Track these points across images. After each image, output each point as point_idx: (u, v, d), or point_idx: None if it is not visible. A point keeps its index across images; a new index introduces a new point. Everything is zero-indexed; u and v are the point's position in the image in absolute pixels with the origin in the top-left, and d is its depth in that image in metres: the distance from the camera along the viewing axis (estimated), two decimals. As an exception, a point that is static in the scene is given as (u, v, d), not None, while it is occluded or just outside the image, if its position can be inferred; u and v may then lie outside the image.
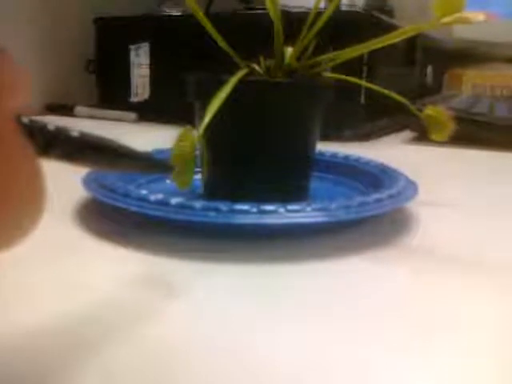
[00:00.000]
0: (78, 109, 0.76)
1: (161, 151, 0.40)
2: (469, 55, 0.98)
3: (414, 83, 0.80)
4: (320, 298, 0.22)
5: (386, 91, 0.31)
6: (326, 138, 0.37)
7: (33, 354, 0.17)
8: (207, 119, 0.25)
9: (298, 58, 0.31)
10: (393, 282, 0.24)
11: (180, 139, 0.24)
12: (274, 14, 0.29)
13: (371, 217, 0.31)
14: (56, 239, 0.28)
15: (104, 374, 0.16)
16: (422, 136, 0.61)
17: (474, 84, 0.96)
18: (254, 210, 0.26)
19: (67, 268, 0.24)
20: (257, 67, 0.31)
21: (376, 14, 0.62)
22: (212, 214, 0.26)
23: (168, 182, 0.38)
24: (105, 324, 0.19)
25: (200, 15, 0.29)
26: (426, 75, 0.87)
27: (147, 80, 0.74)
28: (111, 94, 0.78)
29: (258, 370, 0.17)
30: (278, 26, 0.30)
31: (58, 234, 0.28)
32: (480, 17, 0.24)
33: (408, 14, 0.81)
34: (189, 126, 0.25)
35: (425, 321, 0.20)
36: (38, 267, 0.24)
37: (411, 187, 0.32)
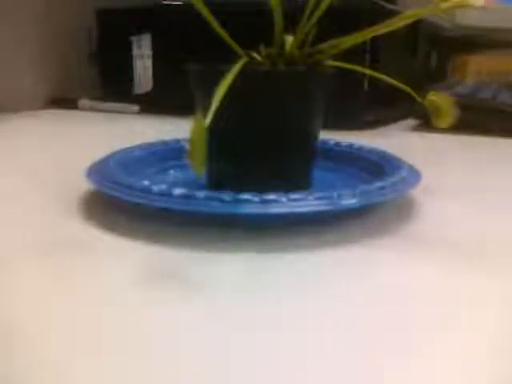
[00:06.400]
0: (82, 102, 0.76)
1: (165, 142, 0.41)
2: (473, 42, 0.97)
3: (418, 71, 0.79)
4: (322, 287, 0.22)
5: (388, 78, 0.31)
6: (329, 126, 0.37)
7: (33, 352, 0.17)
8: (214, 107, 0.25)
9: (300, 46, 0.31)
10: (396, 270, 0.24)
11: (193, 126, 0.24)
12: (273, 2, 0.29)
13: (374, 205, 0.31)
14: (59, 232, 0.28)
15: (107, 372, 0.17)
16: (426, 123, 0.61)
17: (478, 70, 0.95)
18: (257, 199, 0.26)
19: (71, 261, 0.24)
20: (257, 56, 0.31)
21: (378, 0, 0.62)
22: (215, 203, 0.26)
23: (171, 173, 0.38)
24: (106, 318, 0.20)
25: (200, 4, 0.29)
26: (430, 62, 0.86)
27: (150, 71, 0.73)
28: (114, 86, 0.78)
29: (261, 359, 0.17)
30: (277, 13, 0.29)
31: (62, 226, 0.29)
32: (479, 1, 0.24)
33: (410, 0, 0.80)
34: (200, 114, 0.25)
35: (426, 310, 0.20)
36: (41, 261, 0.24)
37: (414, 175, 0.32)
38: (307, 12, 0.30)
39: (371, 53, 0.59)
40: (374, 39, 0.58)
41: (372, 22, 0.31)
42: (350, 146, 0.39)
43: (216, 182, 0.32)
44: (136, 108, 0.73)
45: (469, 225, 0.30)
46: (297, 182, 0.32)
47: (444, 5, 0.25)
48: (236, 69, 0.27)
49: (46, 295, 0.21)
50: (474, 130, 0.58)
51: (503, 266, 0.24)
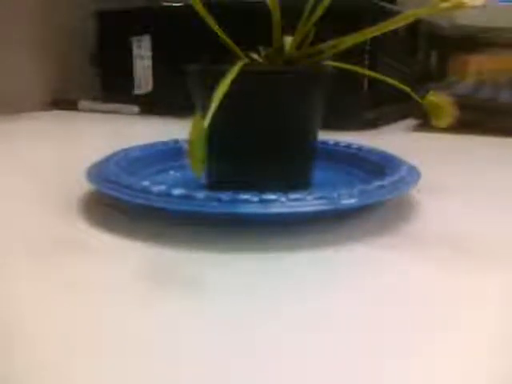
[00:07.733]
0: (82, 103, 0.76)
1: (164, 143, 0.41)
2: (473, 42, 0.97)
3: (418, 70, 0.79)
4: (322, 287, 0.22)
5: (388, 79, 0.31)
6: (328, 126, 0.37)
7: (33, 352, 0.17)
8: (213, 107, 0.25)
9: (299, 47, 0.31)
10: (396, 269, 0.24)
11: (192, 126, 0.24)
12: (271, 2, 0.29)
13: (374, 204, 0.31)
14: (59, 232, 0.28)
15: (107, 372, 0.17)
16: (426, 123, 0.61)
17: (478, 70, 0.95)
18: (256, 199, 0.26)
19: (71, 261, 0.24)
20: (256, 56, 0.31)
21: (378, 0, 0.62)
22: (214, 204, 0.26)
23: (171, 173, 0.38)
24: (106, 318, 0.20)
25: (199, 5, 0.29)
26: (429, 62, 0.86)
27: (150, 72, 0.73)
28: (114, 87, 0.78)
29: (261, 359, 0.17)
30: (276, 14, 0.29)
31: (62, 226, 0.29)
32: (478, 1, 0.24)
33: (410, 0, 0.80)
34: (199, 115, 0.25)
35: (426, 310, 0.20)
36: (41, 261, 0.24)
37: (413, 174, 0.32)
38: (306, 12, 0.30)
39: (371, 53, 0.59)
40: (374, 39, 0.58)
41: (372, 22, 0.31)
42: (350, 145, 0.39)
43: (215, 183, 0.32)
44: (136, 109, 0.73)
45: (469, 224, 0.30)
46: (296, 181, 0.32)
47: (443, 5, 0.25)
48: (235, 69, 0.27)
49: (46, 295, 0.21)
50: (473, 130, 0.57)
51: (503, 266, 0.24)
